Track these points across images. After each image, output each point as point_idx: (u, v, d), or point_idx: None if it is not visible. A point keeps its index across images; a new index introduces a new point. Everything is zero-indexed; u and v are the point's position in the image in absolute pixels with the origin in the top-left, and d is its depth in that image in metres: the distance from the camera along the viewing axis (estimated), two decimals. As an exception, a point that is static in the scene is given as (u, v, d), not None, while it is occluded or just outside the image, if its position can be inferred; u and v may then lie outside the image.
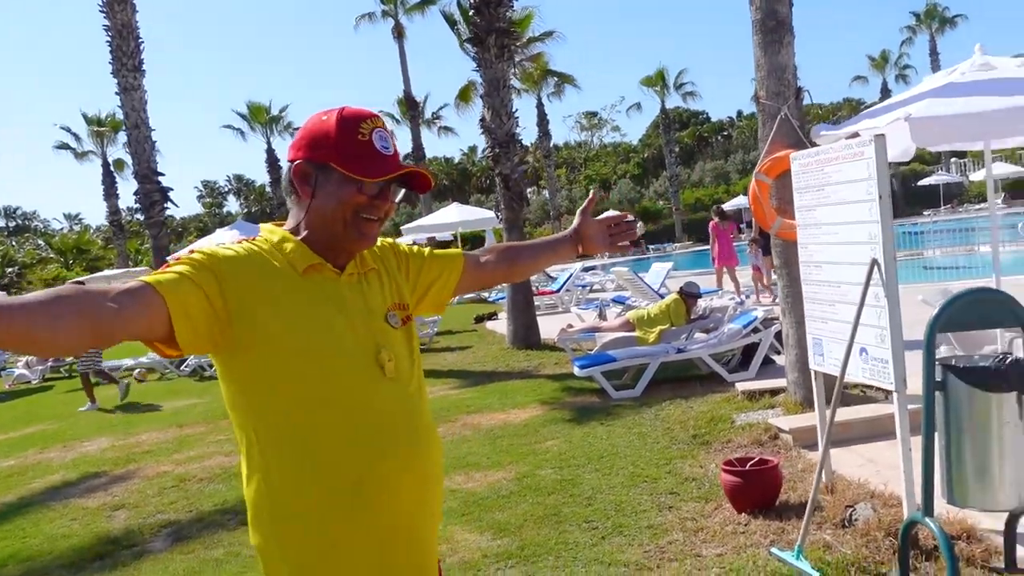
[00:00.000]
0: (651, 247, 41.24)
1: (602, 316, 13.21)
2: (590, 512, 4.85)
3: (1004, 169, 39.49)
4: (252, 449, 1.68)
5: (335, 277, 1.73)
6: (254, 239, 1.75)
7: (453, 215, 22.49)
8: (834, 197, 4.14)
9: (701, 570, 3.85)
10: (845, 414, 5.89)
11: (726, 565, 3.85)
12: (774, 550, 3.90)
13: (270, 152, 42.91)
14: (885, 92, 51.43)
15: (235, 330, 1.59)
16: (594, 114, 73.35)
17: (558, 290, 18.42)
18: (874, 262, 3.86)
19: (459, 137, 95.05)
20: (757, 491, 4.47)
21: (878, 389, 6.65)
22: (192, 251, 1.63)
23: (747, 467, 4.55)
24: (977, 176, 36.02)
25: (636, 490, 5.17)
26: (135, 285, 1.51)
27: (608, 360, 8.45)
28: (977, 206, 35.12)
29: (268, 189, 55.97)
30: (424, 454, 1.75)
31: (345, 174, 1.69)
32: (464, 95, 35.18)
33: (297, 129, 2.45)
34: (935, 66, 49.61)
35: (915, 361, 3.54)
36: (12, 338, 1.28)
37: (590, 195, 2.22)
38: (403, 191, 1.84)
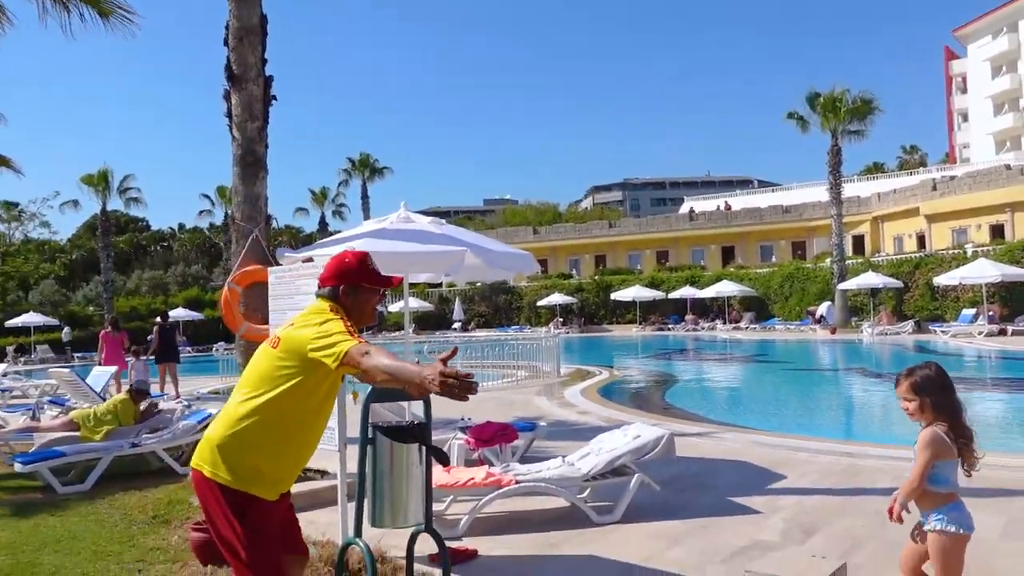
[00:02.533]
0: (76, 355, 38.47)
1: (35, 418, 12.52)
2: (59, 583, 5.10)
3: (414, 303, 46.36)
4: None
5: None
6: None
7: None
8: (302, 304, 5.35)
9: (179, 606, 4.52)
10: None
11: (201, 600, 4.58)
12: (240, 584, 4.75)
13: None
14: (323, 224, 56.66)
15: None
16: (15, 205, 66.05)
17: (-29, 394, 16.54)
18: (328, 354, 5.14)
19: None
20: (223, 545, 5.27)
21: (316, 471, 7.98)
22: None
23: (215, 526, 5.33)
24: (394, 307, 41.73)
25: (102, 563, 5.52)
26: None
27: (56, 455, 8.34)
28: (393, 333, 40.57)
29: None
30: None
31: (371, 288, 3.39)
32: None
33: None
34: (366, 206, 56.48)
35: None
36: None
37: (452, 349, 2.96)
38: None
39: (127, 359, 17.45)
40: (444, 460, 4.80)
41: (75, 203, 48.41)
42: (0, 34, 11.22)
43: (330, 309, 3.24)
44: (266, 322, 7.65)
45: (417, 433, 4.74)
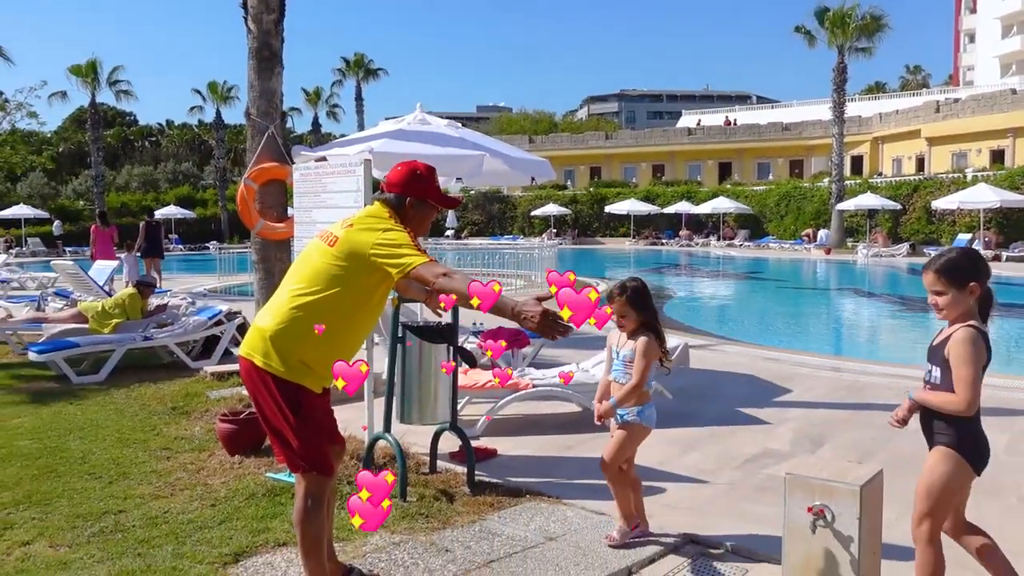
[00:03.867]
0: (67, 249, 38.31)
1: (40, 309, 12.58)
2: (89, 467, 5.21)
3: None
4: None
5: None
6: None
7: None
8: (329, 202, 5.34)
9: (211, 492, 4.65)
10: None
11: (232, 487, 4.71)
12: (269, 474, 4.88)
13: None
14: (316, 125, 55.67)
15: None
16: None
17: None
18: (355, 253, 5.14)
19: None
20: (249, 436, 5.37)
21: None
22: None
23: (241, 417, 5.43)
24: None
25: (129, 449, 5.64)
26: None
27: (71, 346, 8.41)
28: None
29: None
30: None
31: (433, 204, 3.37)
32: None
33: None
34: (360, 108, 55.44)
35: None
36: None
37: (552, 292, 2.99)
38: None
39: (119, 254, 17.82)
40: (472, 361, 4.86)
41: (63, 94, 46.88)
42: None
43: (389, 216, 3.23)
44: (281, 220, 7.63)
45: (446, 333, 4.80)
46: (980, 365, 3.02)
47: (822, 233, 36.51)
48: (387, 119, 9.59)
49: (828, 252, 33.86)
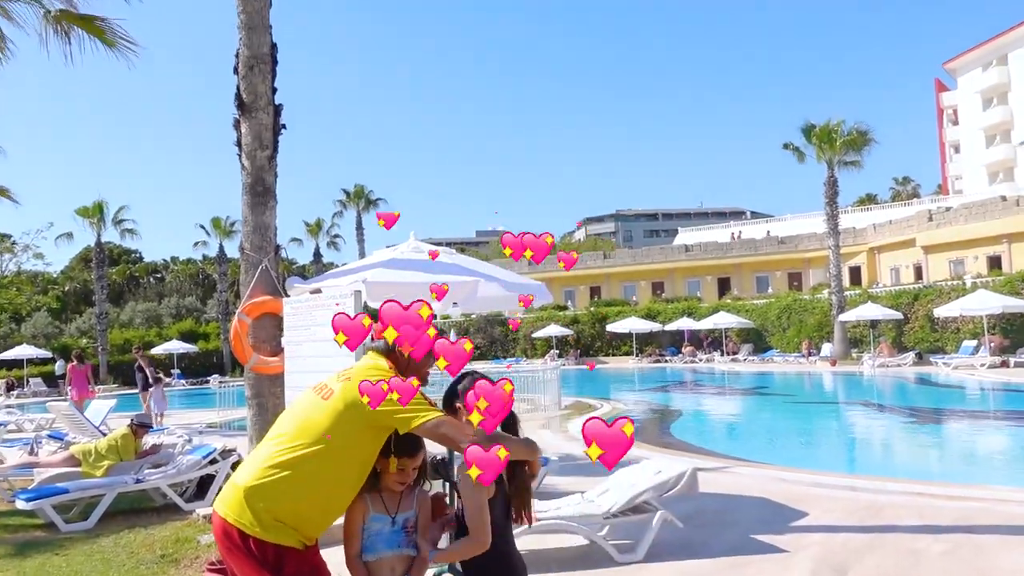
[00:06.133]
0: (69, 389, 38.06)
1: (33, 452, 12.33)
2: (66, 627, 4.90)
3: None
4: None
5: None
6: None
7: None
8: (319, 335, 5.24)
9: (194, 653, 4.32)
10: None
11: (217, 646, 4.38)
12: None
13: None
14: (317, 255, 56.43)
15: None
16: (8, 237, 65.17)
17: (-34, 427, 16.30)
18: (347, 388, 4.99)
19: None
20: (237, 586, 5.07)
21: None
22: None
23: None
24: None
25: (110, 605, 5.32)
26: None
27: (60, 492, 8.13)
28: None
29: None
30: None
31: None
32: None
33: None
34: (360, 237, 56.33)
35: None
36: None
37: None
38: None
39: (150, 388, 18.40)
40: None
41: (69, 235, 47.80)
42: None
43: (389, 367, 3.11)
44: (275, 354, 7.51)
45: (440, 469, 4.58)
46: (486, 499, 2.95)
47: (827, 347, 36.33)
48: (388, 247, 9.65)
49: (834, 364, 33.60)
